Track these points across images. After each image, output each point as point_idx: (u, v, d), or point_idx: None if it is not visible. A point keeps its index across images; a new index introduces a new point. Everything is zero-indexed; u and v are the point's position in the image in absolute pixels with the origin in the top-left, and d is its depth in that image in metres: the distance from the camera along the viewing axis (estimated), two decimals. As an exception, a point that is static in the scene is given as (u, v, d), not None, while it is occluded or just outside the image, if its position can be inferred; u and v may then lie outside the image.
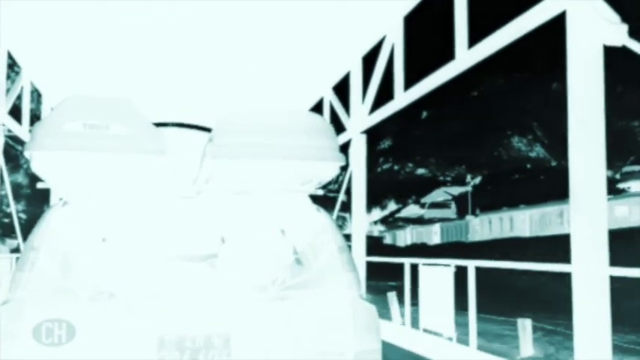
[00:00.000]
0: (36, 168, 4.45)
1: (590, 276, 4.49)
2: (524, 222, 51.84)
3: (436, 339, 7.68)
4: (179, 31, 8.00)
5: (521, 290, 23.58)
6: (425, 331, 7.95)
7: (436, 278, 7.63)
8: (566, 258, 4.86)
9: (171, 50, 8.69)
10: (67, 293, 4.26)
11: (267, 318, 4.15)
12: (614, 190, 50.34)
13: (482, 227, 59.70)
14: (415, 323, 8.36)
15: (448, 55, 6.46)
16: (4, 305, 4.02)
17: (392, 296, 11.67)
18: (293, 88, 10.51)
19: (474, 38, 6.01)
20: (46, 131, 4.21)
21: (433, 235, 68.54)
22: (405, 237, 74.32)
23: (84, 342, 3.87)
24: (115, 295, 4.45)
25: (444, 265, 7.50)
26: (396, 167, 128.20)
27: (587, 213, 4.51)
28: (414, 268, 8.26)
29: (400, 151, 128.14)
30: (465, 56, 6.16)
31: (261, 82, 10.01)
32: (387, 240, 76.16)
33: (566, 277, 4.89)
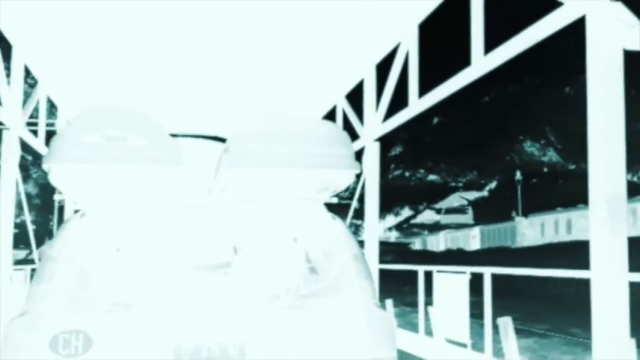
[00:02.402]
0: (54, 180, 4.47)
1: (610, 282, 4.44)
2: (586, 224, 46.28)
3: (450, 346, 7.66)
4: (193, 41, 8.03)
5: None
6: (440, 337, 7.92)
7: (451, 286, 7.60)
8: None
9: (184, 60, 8.72)
10: (84, 304, 4.26)
11: (282, 326, 4.14)
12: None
13: (533, 230, 52.43)
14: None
15: (464, 61, 6.43)
16: (22, 317, 4.04)
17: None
18: (306, 97, 10.53)
19: (491, 44, 5.97)
20: (65, 143, 4.24)
21: (471, 240, 61.99)
22: (438, 242, 69.49)
23: (100, 352, 3.88)
24: (130, 305, 4.46)
25: (460, 272, 7.49)
26: (407, 174, 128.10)
27: (606, 218, 4.46)
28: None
29: (411, 157, 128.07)
30: (482, 62, 6.12)
31: (274, 91, 10.03)
32: (417, 246, 72.62)
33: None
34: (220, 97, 10.23)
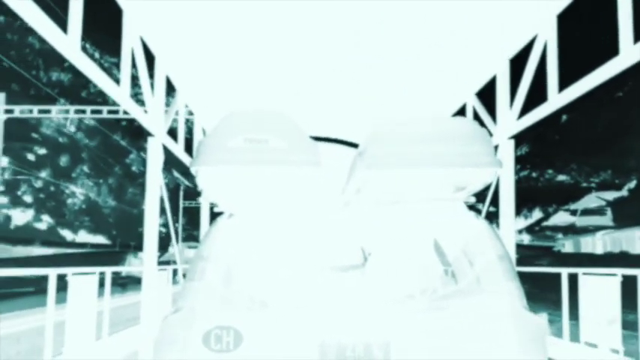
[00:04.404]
0: (201, 182, 4.67)
1: None
2: None
3: (599, 352, 7.27)
4: (324, 45, 8.13)
5: None
6: (587, 344, 7.55)
7: (600, 289, 7.21)
8: None
9: (314, 63, 8.84)
10: (231, 302, 4.40)
11: (426, 327, 4.07)
12: None
13: None
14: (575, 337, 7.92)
15: (607, 51, 6.04)
16: (176, 313, 4.22)
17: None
18: (435, 97, 10.35)
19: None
20: (211, 147, 4.42)
21: (638, 242, 54.24)
22: (594, 244, 62.42)
23: (250, 348, 3.99)
24: (272, 303, 4.56)
25: (609, 274, 7.09)
26: (534, 174, 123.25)
27: None
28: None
29: (538, 157, 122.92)
30: (631, 51, 5.71)
31: (403, 91, 9.93)
32: (567, 248, 67.36)
33: None
34: (351, 98, 10.26)
